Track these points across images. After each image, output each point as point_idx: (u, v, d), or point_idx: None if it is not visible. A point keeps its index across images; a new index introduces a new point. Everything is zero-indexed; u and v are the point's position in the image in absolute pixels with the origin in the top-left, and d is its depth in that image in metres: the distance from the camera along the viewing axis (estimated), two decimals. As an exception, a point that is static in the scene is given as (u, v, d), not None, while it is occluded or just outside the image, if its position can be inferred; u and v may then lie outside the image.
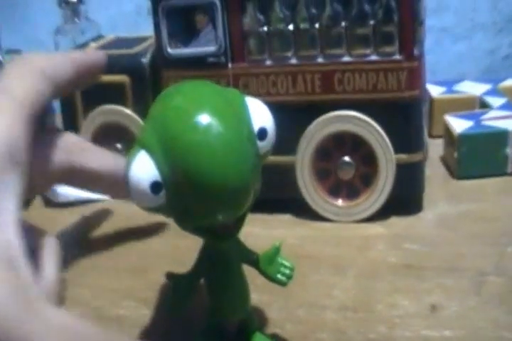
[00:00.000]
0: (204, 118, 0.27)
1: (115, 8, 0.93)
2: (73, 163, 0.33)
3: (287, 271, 0.34)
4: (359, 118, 0.49)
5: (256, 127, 0.28)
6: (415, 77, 0.48)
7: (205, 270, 0.32)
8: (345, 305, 0.41)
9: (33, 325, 0.23)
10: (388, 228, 0.50)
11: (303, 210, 0.52)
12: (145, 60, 0.54)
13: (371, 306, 0.41)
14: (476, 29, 0.88)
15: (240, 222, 0.30)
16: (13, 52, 0.71)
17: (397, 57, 0.47)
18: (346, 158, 0.51)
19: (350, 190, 0.51)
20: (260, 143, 0.29)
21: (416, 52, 0.47)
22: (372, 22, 0.47)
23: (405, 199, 0.52)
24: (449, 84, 0.68)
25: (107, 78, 0.53)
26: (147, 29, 0.52)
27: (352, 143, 0.50)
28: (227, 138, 0.27)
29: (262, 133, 0.29)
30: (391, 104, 0.48)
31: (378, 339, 0.38)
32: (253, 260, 0.33)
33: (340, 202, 0.51)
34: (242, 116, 0.28)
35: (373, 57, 0.48)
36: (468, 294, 0.41)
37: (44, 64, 0.32)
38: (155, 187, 0.27)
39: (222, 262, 0.32)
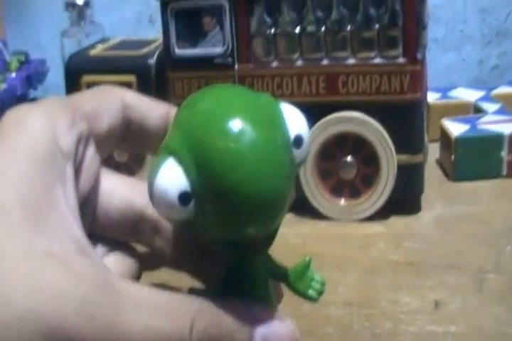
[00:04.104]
0: (236, 124, 0.24)
1: (116, 15, 0.92)
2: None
3: (318, 286, 0.30)
4: (362, 119, 0.49)
5: (291, 134, 0.26)
6: (418, 80, 0.48)
7: (231, 285, 0.29)
8: (350, 301, 0.40)
9: (120, 305, 0.22)
10: (388, 227, 0.50)
11: (305, 209, 0.51)
12: (151, 61, 0.54)
13: (375, 302, 0.40)
14: (466, 41, 0.88)
15: (271, 236, 0.27)
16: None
17: (401, 60, 0.47)
18: (348, 158, 0.50)
19: (352, 190, 0.51)
20: (296, 151, 0.26)
21: (419, 56, 0.47)
22: (377, 26, 0.47)
23: (405, 199, 0.52)
24: (443, 90, 0.68)
25: (115, 78, 0.53)
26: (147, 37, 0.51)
27: (354, 143, 0.50)
28: (261, 146, 0.24)
29: (298, 141, 0.26)
30: (393, 105, 0.48)
31: (384, 334, 0.37)
32: (282, 275, 0.30)
33: (342, 201, 0.51)
34: (277, 123, 0.26)
35: (377, 60, 0.48)
36: (470, 291, 0.41)
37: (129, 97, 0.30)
38: (184, 197, 0.25)
39: (250, 277, 0.29)
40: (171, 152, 0.25)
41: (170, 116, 0.29)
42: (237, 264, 0.29)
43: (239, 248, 0.27)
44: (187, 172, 0.25)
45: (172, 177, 0.25)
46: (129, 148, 0.31)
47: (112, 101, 0.29)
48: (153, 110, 0.30)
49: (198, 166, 0.24)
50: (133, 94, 0.30)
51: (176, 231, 0.30)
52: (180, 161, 0.25)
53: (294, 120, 0.26)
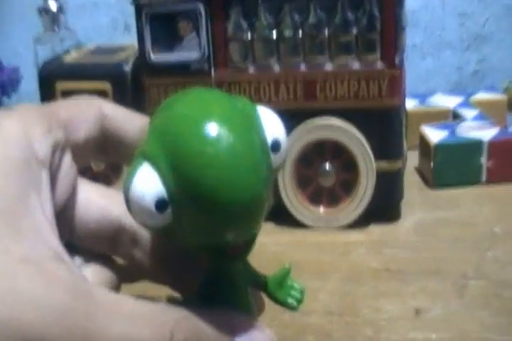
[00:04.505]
0: (212, 127, 0.24)
1: (90, 22, 0.92)
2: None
3: (298, 294, 0.30)
4: (340, 126, 0.49)
5: (269, 138, 0.26)
6: (396, 85, 0.48)
7: (210, 294, 0.29)
8: (331, 309, 0.40)
9: (97, 314, 0.22)
10: (368, 234, 0.50)
11: (284, 217, 0.51)
12: (127, 67, 0.53)
13: (356, 310, 0.40)
14: (444, 46, 0.89)
15: (250, 243, 0.27)
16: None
17: (379, 65, 0.48)
18: (327, 165, 0.50)
19: (331, 197, 0.51)
20: (273, 156, 0.26)
21: (397, 60, 0.47)
22: (355, 30, 0.47)
23: (384, 206, 0.52)
24: (421, 97, 0.68)
25: (89, 85, 0.53)
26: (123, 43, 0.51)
27: (333, 150, 0.50)
28: (238, 149, 0.24)
29: (276, 145, 0.26)
30: (372, 111, 0.48)
31: (365, 342, 0.37)
32: (261, 283, 0.30)
33: (321, 209, 0.51)
34: (254, 126, 0.26)
35: (355, 66, 0.48)
36: (452, 297, 0.41)
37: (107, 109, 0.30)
38: (160, 204, 0.24)
39: (229, 285, 0.29)
40: (146, 157, 0.25)
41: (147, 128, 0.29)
42: (216, 272, 0.28)
43: (217, 255, 0.27)
44: (163, 177, 0.24)
45: (147, 183, 0.24)
46: (106, 158, 0.31)
47: (90, 111, 0.29)
48: (130, 121, 0.30)
49: (174, 171, 0.24)
50: (111, 105, 0.30)
51: (155, 243, 0.29)
52: (156, 166, 0.24)
53: (272, 124, 0.26)
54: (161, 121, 0.26)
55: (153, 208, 0.24)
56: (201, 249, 0.27)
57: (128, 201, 0.25)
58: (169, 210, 0.25)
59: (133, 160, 0.25)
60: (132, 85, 0.53)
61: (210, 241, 0.26)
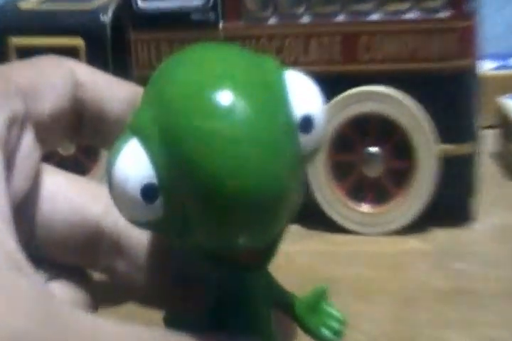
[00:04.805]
0: (224, 97, 0.24)
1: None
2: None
3: (335, 324, 0.30)
4: (391, 96, 0.49)
5: (298, 114, 0.26)
6: (468, 40, 0.48)
7: (218, 315, 0.29)
8: (378, 342, 0.40)
9: (60, 334, 0.22)
10: (429, 242, 0.50)
11: (316, 219, 0.51)
12: (105, 17, 0.54)
13: (412, 343, 0.40)
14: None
15: (270, 249, 0.27)
16: None
17: (445, 14, 0.48)
18: (373, 149, 0.50)
19: (378, 192, 0.51)
20: (304, 138, 0.26)
21: (468, 8, 0.47)
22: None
23: (451, 204, 0.52)
24: (502, 58, 0.68)
25: (55, 41, 0.53)
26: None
27: (381, 129, 0.50)
28: (256, 128, 0.24)
29: (307, 123, 0.25)
30: (435, 77, 0.48)
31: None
32: (287, 304, 0.30)
33: (364, 207, 0.51)
34: (280, 97, 0.25)
35: (412, 15, 0.48)
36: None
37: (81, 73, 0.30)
38: (148, 191, 0.24)
39: (243, 305, 0.29)
40: (136, 131, 0.25)
41: (137, 100, 0.28)
42: (227, 287, 0.28)
43: (228, 265, 0.27)
44: (153, 157, 0.24)
45: (133, 163, 0.24)
46: (80, 139, 0.31)
47: (58, 75, 0.29)
48: (113, 90, 0.30)
49: (169, 151, 0.24)
50: (86, 68, 0.30)
51: (147, 251, 0.29)
52: (146, 143, 0.25)
53: (304, 94, 0.26)
54: (158, 86, 0.26)
55: (138, 195, 0.24)
56: (203, 257, 0.27)
57: (110, 187, 0.25)
58: (159, 200, 0.25)
59: (119, 136, 0.25)
60: (113, 41, 0.53)
61: (217, 246, 0.26)
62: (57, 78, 0.29)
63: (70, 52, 0.52)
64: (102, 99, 0.29)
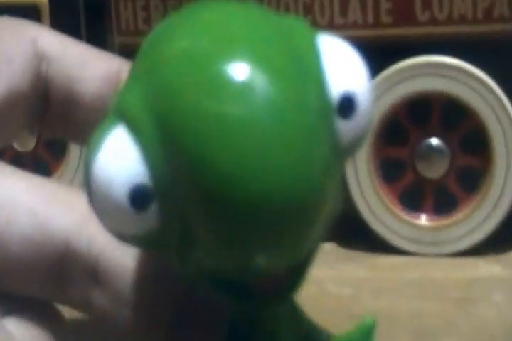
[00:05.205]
0: (240, 72, 0.24)
1: None
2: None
3: None
4: (461, 70, 0.49)
5: (336, 93, 0.25)
6: None
7: None
8: None
9: None
10: (510, 267, 0.50)
11: (357, 234, 0.52)
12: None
13: None
14: None
15: (298, 274, 0.27)
16: None
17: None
18: (434, 142, 0.50)
19: (441, 199, 0.51)
20: (343, 124, 0.26)
21: None
22: None
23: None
24: None
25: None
26: None
27: (446, 114, 0.50)
28: (281, 112, 0.24)
29: (347, 105, 0.25)
30: None
31: None
32: None
33: (422, 219, 0.51)
34: (312, 71, 0.25)
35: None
36: None
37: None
38: (139, 195, 0.25)
39: None
40: (122, 116, 0.25)
41: (120, 78, 0.29)
42: (241, 322, 0.29)
43: (241, 294, 0.27)
44: (146, 151, 0.24)
45: (119, 158, 0.24)
46: (45, 131, 0.32)
47: (16, 47, 0.29)
48: (90, 66, 0.30)
49: (167, 142, 0.24)
50: (55, 37, 0.31)
51: (136, 277, 0.29)
52: (136, 132, 0.24)
53: (343, 67, 0.26)
54: (150, 60, 0.26)
55: (125, 201, 0.24)
56: (208, 283, 0.27)
57: (89, 190, 0.25)
58: (153, 207, 0.25)
59: (99, 124, 0.25)
60: None
61: (224, 268, 0.26)
62: (13, 50, 0.29)
63: (29, 12, 0.53)
64: (74, 77, 0.30)
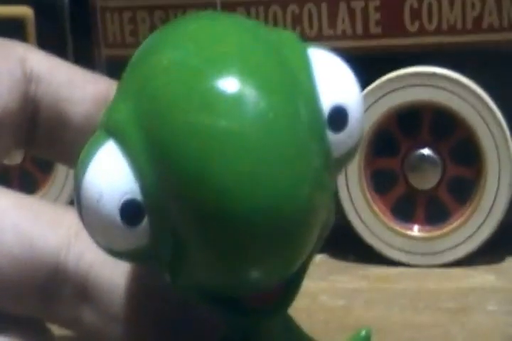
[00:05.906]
0: (230, 85, 0.24)
1: None
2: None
3: None
4: (451, 80, 0.49)
5: (327, 105, 0.26)
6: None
7: None
8: None
9: None
10: (503, 277, 0.50)
11: (349, 246, 0.52)
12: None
13: None
14: None
15: (291, 287, 0.27)
16: None
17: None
18: (425, 152, 0.50)
19: (433, 209, 0.51)
20: (334, 137, 0.26)
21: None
22: None
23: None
24: None
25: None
26: None
27: (436, 124, 0.50)
28: (272, 125, 0.24)
29: (338, 118, 0.26)
30: (507, 54, 0.49)
31: None
32: None
33: (414, 230, 0.51)
34: (302, 84, 0.26)
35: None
36: None
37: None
38: (130, 210, 0.25)
39: None
40: (112, 131, 0.25)
41: (109, 98, 0.28)
42: (235, 335, 0.29)
43: (234, 308, 0.27)
44: (137, 165, 0.25)
45: (110, 173, 0.25)
46: (34, 151, 0.32)
47: (5, 65, 0.29)
48: (79, 87, 0.30)
49: (158, 157, 0.24)
50: (43, 57, 0.30)
51: (126, 294, 0.29)
52: (127, 147, 0.25)
53: (333, 79, 0.26)
54: (139, 75, 0.26)
55: (116, 216, 0.24)
56: (201, 298, 0.27)
57: (79, 206, 0.25)
58: (144, 222, 0.25)
59: (89, 140, 0.25)
60: (72, 10, 0.54)
61: (217, 284, 0.26)
62: (0, 70, 0.29)
63: (14, 26, 0.53)
64: (62, 98, 0.30)
